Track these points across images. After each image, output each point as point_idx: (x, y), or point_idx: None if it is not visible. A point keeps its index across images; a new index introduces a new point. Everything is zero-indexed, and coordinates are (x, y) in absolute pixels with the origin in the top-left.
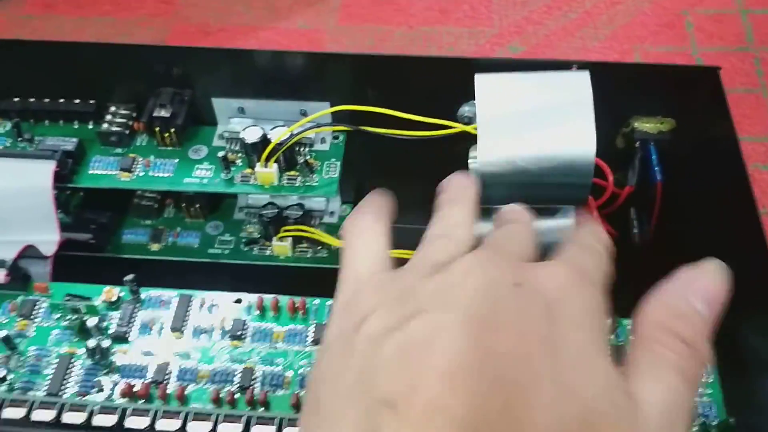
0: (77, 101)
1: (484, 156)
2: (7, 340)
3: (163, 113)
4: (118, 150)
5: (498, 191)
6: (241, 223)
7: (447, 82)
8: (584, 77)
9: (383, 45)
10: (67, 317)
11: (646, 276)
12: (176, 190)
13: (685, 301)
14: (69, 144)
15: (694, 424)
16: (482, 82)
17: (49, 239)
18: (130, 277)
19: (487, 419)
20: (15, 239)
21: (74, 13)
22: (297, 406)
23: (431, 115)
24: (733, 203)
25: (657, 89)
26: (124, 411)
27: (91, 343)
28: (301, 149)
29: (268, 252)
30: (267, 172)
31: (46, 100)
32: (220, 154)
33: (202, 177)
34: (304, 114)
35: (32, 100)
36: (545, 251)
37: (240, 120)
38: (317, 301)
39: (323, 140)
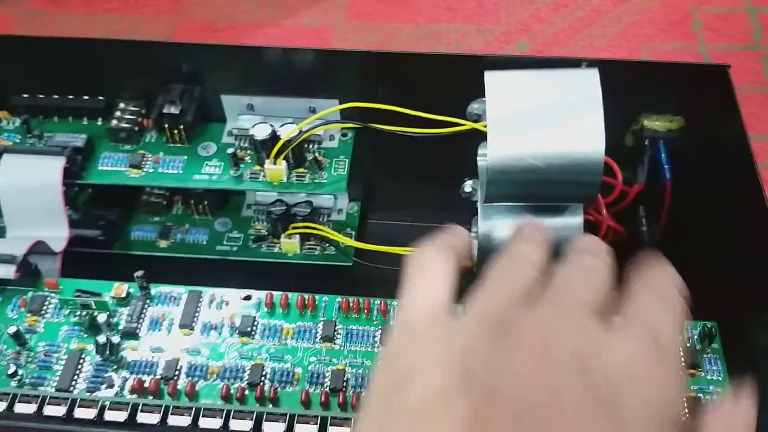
0: (86, 98)
1: (494, 153)
2: (18, 336)
3: (173, 110)
4: (127, 146)
5: (507, 188)
6: (250, 220)
7: (456, 80)
8: (593, 75)
9: (390, 42)
10: (77, 313)
11: None
12: (185, 187)
13: None
14: (78, 140)
15: None
16: (492, 79)
17: (58, 235)
18: (139, 273)
19: None
20: (24, 235)
21: (81, 10)
22: (306, 403)
23: (440, 113)
24: (743, 201)
25: (666, 87)
26: (135, 407)
27: (101, 338)
28: (310, 146)
29: (276, 249)
30: (276, 169)
31: (55, 96)
32: (230, 151)
33: (211, 174)
34: (313, 111)
35: (41, 96)
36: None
37: (249, 117)
38: (326, 298)
39: (332, 137)
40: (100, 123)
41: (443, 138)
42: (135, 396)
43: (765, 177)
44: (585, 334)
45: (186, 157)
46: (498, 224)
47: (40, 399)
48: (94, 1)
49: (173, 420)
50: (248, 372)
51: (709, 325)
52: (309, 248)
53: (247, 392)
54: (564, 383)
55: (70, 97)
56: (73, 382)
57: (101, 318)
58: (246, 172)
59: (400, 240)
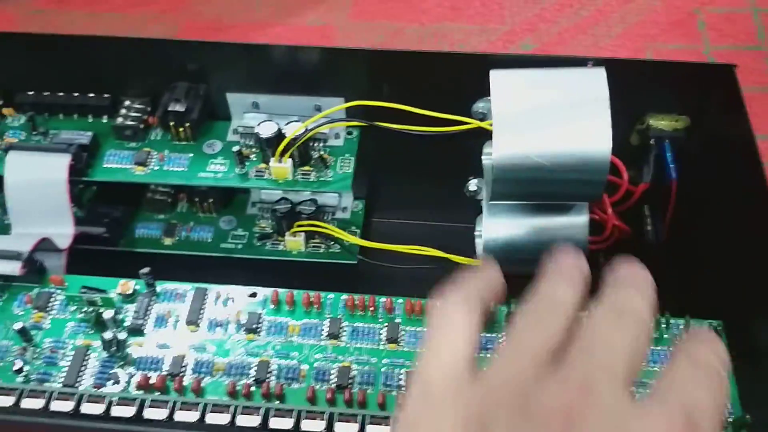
0: (91, 95)
1: (500, 151)
2: (23, 332)
3: (178, 108)
4: (133, 144)
5: (512, 187)
6: (254, 218)
7: (461, 79)
8: (600, 74)
9: (394, 42)
10: (83, 309)
11: (659, 274)
12: (190, 185)
13: None
14: (84, 138)
15: None
16: (497, 78)
17: (63, 232)
18: (146, 270)
19: None
20: (30, 232)
21: (85, 8)
22: (312, 400)
23: (445, 112)
24: (748, 201)
25: (672, 86)
26: (142, 402)
27: (108, 335)
28: (316, 144)
29: (281, 247)
30: (281, 167)
31: (61, 93)
32: (235, 148)
33: (217, 171)
34: (318, 109)
35: (47, 93)
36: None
37: (254, 115)
38: (332, 295)
39: (337, 136)
40: (105, 120)
41: (448, 137)
42: (141, 392)
43: None
44: (613, 415)
45: (191, 155)
46: (503, 223)
47: (47, 394)
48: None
49: (180, 416)
50: (254, 369)
51: (714, 324)
52: (314, 246)
53: (253, 389)
54: None
55: (76, 94)
56: (79, 378)
57: (107, 314)
58: (251, 170)
59: (405, 238)
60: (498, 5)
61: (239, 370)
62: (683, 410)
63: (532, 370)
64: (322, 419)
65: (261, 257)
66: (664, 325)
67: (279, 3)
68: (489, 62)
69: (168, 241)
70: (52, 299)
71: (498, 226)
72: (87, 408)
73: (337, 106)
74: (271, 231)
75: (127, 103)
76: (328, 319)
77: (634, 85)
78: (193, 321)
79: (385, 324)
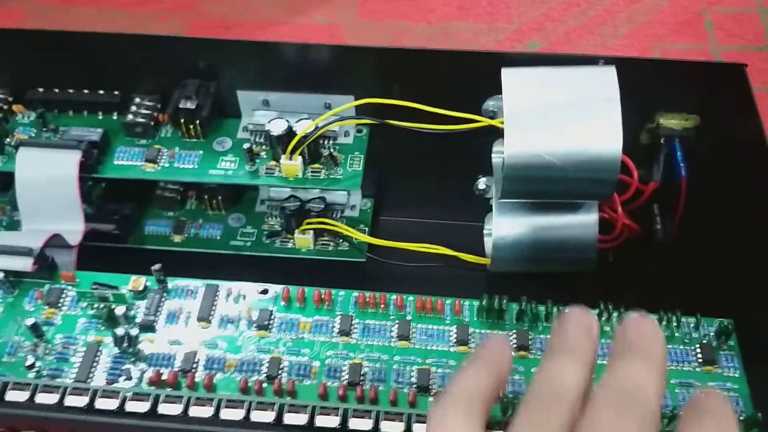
0: (101, 92)
1: (511, 149)
2: (35, 328)
3: (189, 105)
4: (143, 141)
5: (523, 185)
6: (263, 215)
7: (472, 77)
8: (611, 72)
9: (402, 41)
10: (95, 306)
11: (669, 273)
12: (201, 182)
13: None
14: (94, 134)
15: None
16: (509, 76)
17: (73, 229)
18: (157, 266)
19: None
20: (40, 228)
21: (92, 6)
22: (324, 397)
23: (455, 110)
24: (758, 200)
25: (682, 85)
26: (156, 397)
27: (120, 331)
28: (326, 142)
29: (289, 244)
30: (292, 164)
31: (71, 90)
32: (246, 146)
33: (227, 169)
34: (328, 107)
35: (56, 90)
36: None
37: (264, 112)
38: (342, 292)
39: (347, 133)
40: (115, 117)
41: (457, 135)
42: (153, 388)
43: None
44: None
45: (201, 152)
46: (513, 221)
47: (61, 390)
48: None
49: (195, 411)
50: (266, 365)
51: (725, 323)
52: (322, 244)
53: (265, 385)
54: None
55: (86, 91)
56: (91, 374)
57: (119, 310)
58: (261, 168)
59: (413, 237)
60: (505, 4)
61: (251, 367)
62: None
63: None
64: (336, 415)
65: (270, 255)
66: (675, 324)
67: (286, 2)
68: (499, 60)
69: (177, 239)
70: (63, 295)
71: (508, 225)
72: (101, 403)
73: (347, 104)
74: (280, 228)
75: (138, 100)
76: (339, 316)
77: (644, 84)
78: (204, 317)
79: (396, 321)
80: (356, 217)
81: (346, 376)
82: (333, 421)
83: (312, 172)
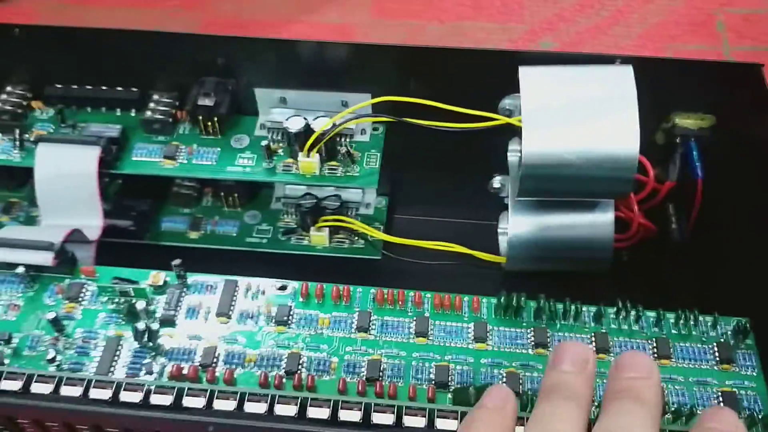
0: (120, 89)
1: (529, 148)
2: (56, 322)
3: (207, 102)
4: (161, 138)
5: (541, 183)
6: (278, 212)
7: (487, 75)
8: (627, 72)
9: (415, 40)
10: (115, 300)
11: (683, 272)
12: (219, 179)
13: None
14: (113, 131)
15: (741, 417)
16: (526, 74)
17: (92, 224)
18: (177, 261)
19: None
20: (60, 223)
21: (106, 3)
22: (343, 392)
23: (471, 108)
24: None
25: (698, 85)
26: (180, 391)
27: (141, 325)
28: (342, 140)
29: (305, 242)
30: (309, 161)
31: (89, 87)
32: (264, 143)
33: (245, 166)
34: (345, 105)
35: (75, 87)
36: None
37: (281, 110)
38: (360, 289)
39: (363, 131)
40: (133, 114)
41: (473, 133)
42: (175, 382)
43: None
44: None
45: (219, 149)
46: (528, 220)
47: (85, 382)
48: None
49: (218, 404)
50: (285, 360)
51: (743, 321)
52: (338, 241)
53: (284, 380)
54: None
55: (104, 88)
56: (112, 368)
57: (140, 305)
58: (279, 165)
59: (426, 235)
60: (518, 4)
61: (270, 362)
62: None
63: None
64: (359, 410)
65: (285, 252)
66: (692, 323)
67: (300, 1)
68: (516, 59)
69: (194, 235)
70: (83, 290)
71: (523, 223)
72: (126, 396)
73: (363, 101)
74: (295, 226)
75: (156, 96)
76: (357, 313)
77: (660, 84)
78: (224, 313)
79: (414, 318)
80: (371, 215)
81: (365, 372)
82: (355, 416)
83: (329, 169)
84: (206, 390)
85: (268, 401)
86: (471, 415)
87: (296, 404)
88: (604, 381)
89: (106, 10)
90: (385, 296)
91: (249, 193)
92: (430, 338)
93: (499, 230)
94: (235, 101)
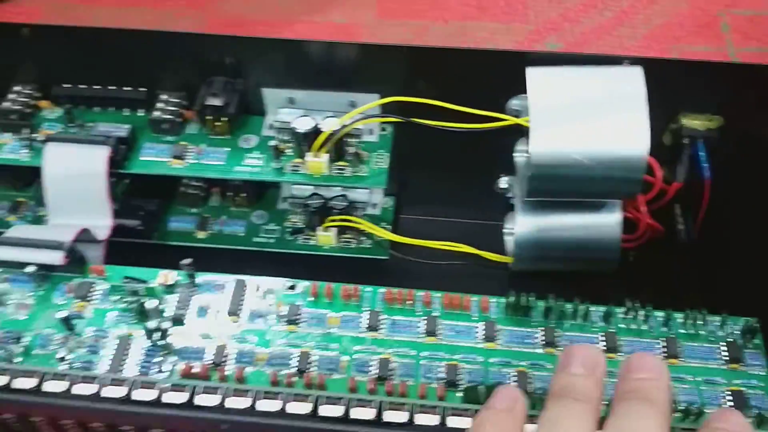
0: (128, 88)
1: (537, 148)
2: (67, 321)
3: (216, 102)
4: (169, 138)
5: (549, 184)
6: (285, 212)
7: (495, 76)
8: (637, 72)
9: (420, 40)
10: (126, 299)
11: (690, 272)
12: (228, 178)
13: None
14: (122, 130)
15: (750, 415)
16: (534, 75)
17: (101, 224)
18: (187, 261)
19: None
20: (69, 222)
21: (112, 3)
22: (354, 391)
23: (478, 108)
24: None
25: (706, 86)
26: (194, 389)
27: (152, 324)
28: (350, 140)
29: (312, 242)
30: (318, 161)
31: (97, 86)
32: (272, 143)
33: (253, 166)
34: (353, 105)
35: (83, 86)
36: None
37: (289, 110)
38: (369, 288)
39: (371, 131)
40: (141, 114)
41: (480, 133)
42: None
43: None
44: None
45: (227, 149)
46: (536, 220)
47: (98, 380)
48: None
49: (231, 402)
50: (296, 359)
51: (751, 321)
52: (345, 241)
53: (295, 379)
54: None
55: (112, 87)
56: (121, 367)
57: (151, 304)
58: (287, 165)
59: (433, 235)
60: (522, 4)
61: (280, 361)
62: None
63: None
64: (372, 407)
65: (292, 251)
66: (700, 322)
67: (304, 1)
68: (525, 60)
69: (201, 235)
70: (92, 289)
71: (530, 224)
72: (138, 394)
73: (371, 101)
74: (302, 226)
75: (164, 96)
76: (367, 312)
77: (667, 85)
78: (233, 312)
79: (424, 317)
80: (378, 215)
81: (375, 371)
82: (368, 414)
83: (337, 169)
84: (219, 388)
85: (282, 399)
86: (480, 416)
87: (309, 402)
88: (613, 381)
89: (112, 9)
90: (395, 296)
91: (256, 193)
92: (439, 337)
93: (505, 230)
94: (243, 101)
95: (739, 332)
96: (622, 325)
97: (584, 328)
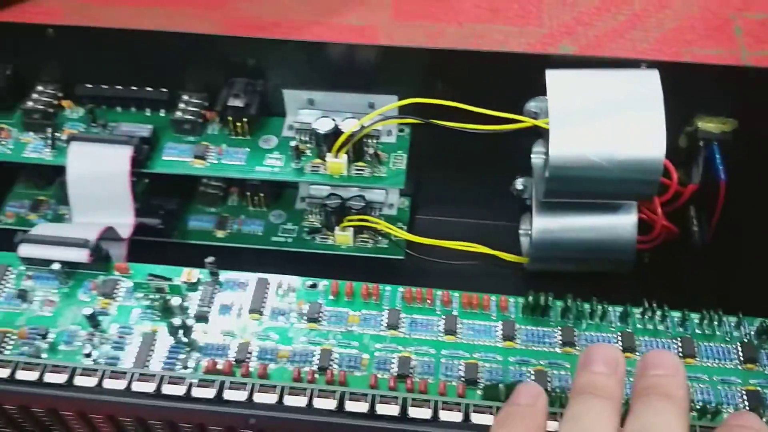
0: (149, 89)
1: (556, 150)
2: (93, 318)
3: (237, 103)
4: (191, 138)
5: (567, 185)
6: (302, 212)
7: (512, 78)
8: (653, 75)
9: (435, 41)
10: (150, 296)
11: (704, 274)
12: (248, 178)
13: None
14: (144, 130)
15: (766, 415)
16: (554, 77)
17: (123, 222)
18: (211, 259)
19: None
20: (92, 221)
21: (129, 3)
22: (375, 387)
23: (495, 110)
24: None
25: (721, 89)
26: (222, 384)
27: (177, 321)
28: (369, 141)
29: (329, 241)
30: (337, 162)
31: (119, 87)
32: (293, 143)
33: (273, 166)
34: (372, 106)
35: (105, 86)
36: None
37: (308, 111)
38: (389, 287)
39: (389, 132)
40: (162, 114)
41: (497, 135)
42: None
43: None
44: None
45: (248, 150)
46: (552, 221)
47: (129, 376)
48: None
49: (259, 398)
50: (317, 356)
51: (766, 322)
52: (362, 241)
53: (317, 376)
54: None
55: (134, 88)
56: (147, 363)
57: (175, 301)
58: (307, 165)
59: (448, 235)
60: (535, 7)
61: (303, 358)
62: None
63: None
64: (396, 404)
65: (310, 251)
66: (716, 323)
67: (320, 2)
68: (542, 62)
69: (220, 234)
70: (116, 286)
71: (547, 224)
72: (168, 389)
73: (390, 103)
74: (320, 225)
75: (185, 97)
76: (387, 310)
77: (683, 88)
78: (256, 309)
79: (443, 316)
80: (394, 216)
81: (396, 369)
82: (393, 410)
83: (356, 170)
84: (246, 384)
85: (308, 395)
86: (503, 413)
87: (335, 398)
88: (631, 380)
89: (129, 9)
90: (414, 295)
91: (274, 193)
92: (458, 336)
93: (521, 231)
94: (263, 102)
95: (754, 332)
96: (639, 325)
97: (601, 327)
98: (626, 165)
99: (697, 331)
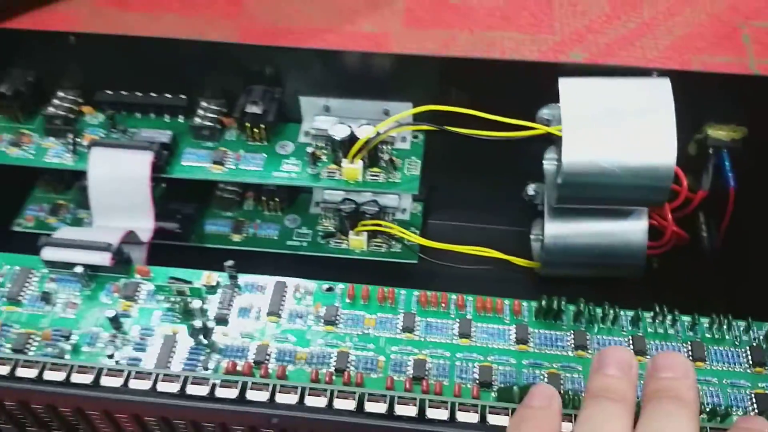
0: (168, 95)
1: (569, 157)
2: (115, 320)
3: (255, 110)
4: (209, 144)
5: (579, 191)
6: (317, 217)
7: (525, 85)
8: (665, 84)
9: (446, 49)
10: (171, 299)
11: (713, 280)
12: (266, 183)
13: None
14: (164, 136)
15: None
16: (566, 85)
17: (143, 226)
18: (230, 262)
19: None
20: (113, 225)
21: (145, 10)
22: (391, 388)
23: (508, 117)
24: None
25: (730, 98)
26: (244, 385)
27: (197, 323)
28: (384, 147)
29: (343, 245)
30: (353, 168)
31: (139, 93)
32: (309, 149)
33: (290, 171)
34: (387, 113)
35: (125, 93)
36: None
37: (324, 118)
38: (404, 291)
39: (404, 139)
40: (181, 120)
41: (510, 141)
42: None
43: None
44: None
45: (265, 155)
46: (564, 227)
47: (153, 376)
48: (155, 2)
49: (281, 398)
50: (334, 358)
51: None
52: (375, 245)
53: (334, 377)
54: None
55: (153, 94)
56: (169, 364)
57: (196, 304)
58: (323, 171)
59: (461, 240)
60: (547, 15)
61: (320, 360)
62: None
63: None
64: (414, 405)
65: (325, 255)
66: (725, 327)
67: (334, 10)
68: (555, 71)
69: (236, 238)
70: (138, 289)
71: (558, 230)
72: (192, 389)
73: (405, 110)
74: (334, 230)
75: (204, 104)
76: (402, 314)
77: (693, 96)
78: (274, 312)
79: (457, 320)
80: (407, 220)
81: (411, 371)
82: (411, 411)
83: (371, 175)
84: (268, 384)
85: (328, 395)
86: (518, 415)
87: (354, 399)
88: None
89: (144, 16)
90: (429, 299)
91: (289, 198)
92: (473, 339)
93: (532, 236)
94: (281, 109)
95: (762, 336)
96: (650, 329)
97: (613, 331)
98: (637, 171)
99: (707, 335)
